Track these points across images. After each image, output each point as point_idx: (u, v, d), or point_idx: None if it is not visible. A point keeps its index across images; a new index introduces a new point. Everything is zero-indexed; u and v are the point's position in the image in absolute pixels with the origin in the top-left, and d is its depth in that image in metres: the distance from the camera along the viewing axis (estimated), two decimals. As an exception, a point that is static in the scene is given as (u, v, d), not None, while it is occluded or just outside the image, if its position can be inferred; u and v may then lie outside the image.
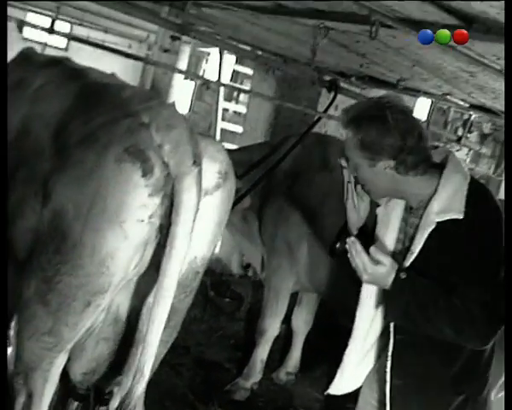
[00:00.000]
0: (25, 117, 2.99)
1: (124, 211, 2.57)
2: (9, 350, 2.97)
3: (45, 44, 11.93)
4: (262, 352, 5.18)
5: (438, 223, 2.61)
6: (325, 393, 3.16)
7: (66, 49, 14.62)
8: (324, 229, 4.75)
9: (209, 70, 12.75)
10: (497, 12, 3.11)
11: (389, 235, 2.85)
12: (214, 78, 9.37)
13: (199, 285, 3.01)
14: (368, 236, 2.93)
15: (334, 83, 5.74)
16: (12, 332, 2.98)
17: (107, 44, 7.09)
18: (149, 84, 6.88)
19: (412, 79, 6.36)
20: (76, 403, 3.25)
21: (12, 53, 3.26)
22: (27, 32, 14.48)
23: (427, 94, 6.87)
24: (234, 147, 7.44)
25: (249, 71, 10.47)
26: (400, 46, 4.70)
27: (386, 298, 2.75)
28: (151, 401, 3.34)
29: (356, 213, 2.95)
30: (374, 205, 2.98)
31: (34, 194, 2.79)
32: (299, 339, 5.59)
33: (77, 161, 2.65)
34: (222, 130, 9.85)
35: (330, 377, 3.12)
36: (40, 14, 10.80)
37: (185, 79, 6.93)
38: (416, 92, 6.88)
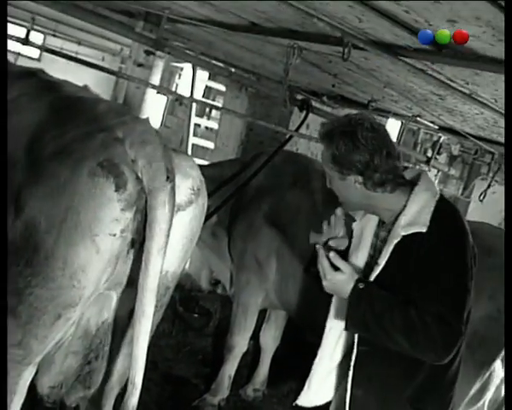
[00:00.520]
0: (-2, 128, 2.98)
1: (96, 225, 2.58)
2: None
3: (18, 54, 11.83)
4: (230, 368, 5.18)
5: (403, 236, 2.66)
6: (293, 404, 3.17)
7: (39, 60, 14.52)
8: (294, 246, 4.78)
9: (182, 85, 12.77)
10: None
11: (362, 249, 2.91)
12: (187, 93, 9.39)
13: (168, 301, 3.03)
14: (344, 250, 2.97)
15: (306, 102, 5.79)
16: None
17: (80, 56, 7.08)
18: (122, 97, 6.85)
19: (383, 100, 6.45)
20: (42, 417, 3.23)
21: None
22: (0, 41, 14.34)
23: (397, 115, 6.97)
24: (205, 163, 7.44)
25: (222, 87, 10.52)
26: (372, 68, 4.78)
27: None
28: (118, 415, 3.34)
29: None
30: (351, 220, 3.03)
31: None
32: (267, 355, 5.60)
33: (50, 173, 2.65)
34: (193, 145, 9.86)
35: (298, 394, 3.13)
36: (13, 23, 10.74)
37: (158, 93, 6.92)
38: (387, 113, 6.97)
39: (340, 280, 2.66)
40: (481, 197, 6.72)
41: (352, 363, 2.81)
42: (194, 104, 9.65)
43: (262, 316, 5.52)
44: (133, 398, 2.71)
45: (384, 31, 3.67)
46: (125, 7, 6.26)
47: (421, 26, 3.34)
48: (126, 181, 2.60)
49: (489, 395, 4.17)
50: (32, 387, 2.98)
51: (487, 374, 3.98)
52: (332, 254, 2.67)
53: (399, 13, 3.25)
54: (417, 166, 6.73)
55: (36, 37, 12.42)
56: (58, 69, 5.38)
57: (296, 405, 3.15)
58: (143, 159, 2.64)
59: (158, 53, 6.18)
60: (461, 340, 2.56)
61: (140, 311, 2.63)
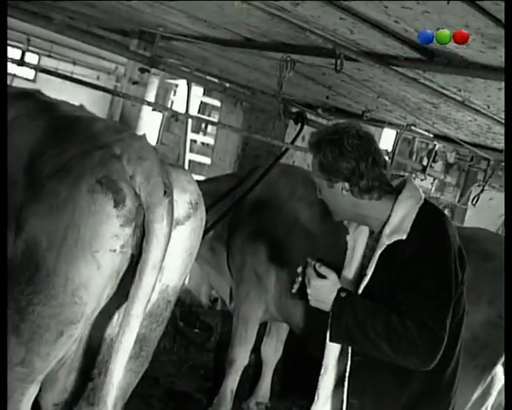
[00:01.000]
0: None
1: (96, 241, 2.61)
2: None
3: (14, 75, 11.86)
4: (232, 382, 5.17)
5: (388, 245, 2.68)
6: None
7: (34, 81, 14.57)
8: (292, 259, 4.79)
9: (177, 101, 12.80)
10: (456, 46, 3.23)
11: (355, 261, 2.93)
12: (182, 109, 9.41)
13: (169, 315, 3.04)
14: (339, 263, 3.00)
15: (301, 115, 5.83)
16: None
17: (75, 76, 7.10)
18: (118, 115, 6.87)
19: (377, 111, 6.49)
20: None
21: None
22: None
23: (392, 125, 7.00)
24: (202, 178, 7.47)
25: (217, 103, 10.56)
26: (365, 78, 4.82)
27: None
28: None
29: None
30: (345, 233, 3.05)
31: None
32: (269, 368, 5.59)
33: (50, 192, 2.68)
34: (190, 161, 9.88)
35: (300, 407, 3.11)
36: (9, 45, 10.77)
37: (153, 110, 6.95)
38: (382, 123, 7.00)
39: (323, 286, 2.70)
40: (474, 202, 6.75)
41: (347, 373, 2.82)
42: (189, 120, 9.67)
43: (263, 329, 5.53)
44: None
45: (375, 41, 3.71)
46: (120, 26, 6.31)
47: (412, 36, 3.38)
48: (125, 197, 2.63)
49: (491, 400, 4.18)
50: (36, 405, 2.99)
51: (489, 379, 3.99)
52: (318, 264, 2.71)
53: (390, 23, 3.29)
54: (413, 175, 6.75)
55: (31, 58, 12.48)
56: (53, 89, 5.40)
57: None
58: (141, 175, 2.67)
59: (153, 70, 6.22)
60: (443, 345, 2.55)
61: (125, 322, 2.63)
